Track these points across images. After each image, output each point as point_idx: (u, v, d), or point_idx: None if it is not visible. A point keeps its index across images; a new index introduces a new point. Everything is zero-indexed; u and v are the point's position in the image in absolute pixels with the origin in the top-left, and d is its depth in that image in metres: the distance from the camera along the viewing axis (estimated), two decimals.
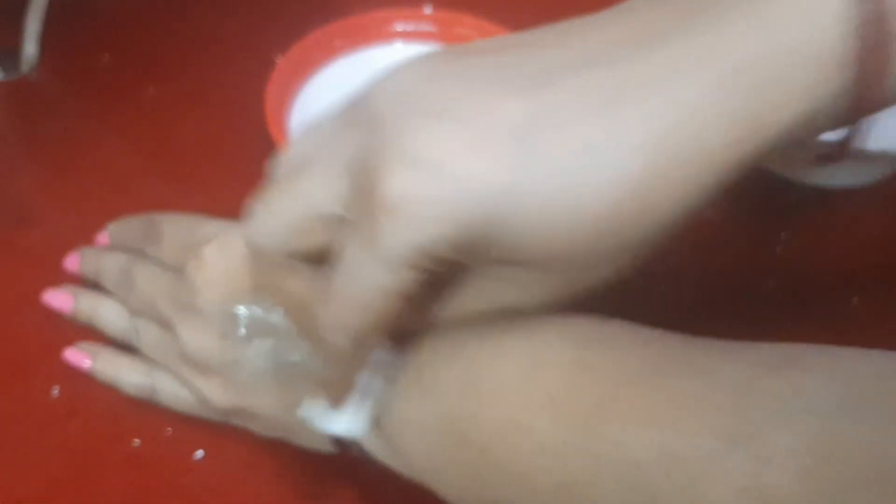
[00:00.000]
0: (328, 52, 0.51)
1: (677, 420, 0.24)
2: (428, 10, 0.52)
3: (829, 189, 0.47)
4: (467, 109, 0.24)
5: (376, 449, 0.31)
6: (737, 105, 0.24)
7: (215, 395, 0.34)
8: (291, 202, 0.28)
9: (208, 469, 0.36)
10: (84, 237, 0.43)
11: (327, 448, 0.33)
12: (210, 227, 0.37)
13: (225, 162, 0.47)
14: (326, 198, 0.26)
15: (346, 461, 0.34)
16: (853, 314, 0.43)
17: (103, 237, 0.42)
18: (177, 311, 0.34)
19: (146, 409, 0.37)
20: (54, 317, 0.40)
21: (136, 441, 0.36)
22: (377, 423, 0.30)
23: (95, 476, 0.35)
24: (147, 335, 0.37)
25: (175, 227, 0.38)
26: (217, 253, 0.34)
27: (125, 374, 0.37)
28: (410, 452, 0.30)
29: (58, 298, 0.40)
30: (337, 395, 0.30)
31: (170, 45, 0.53)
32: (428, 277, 0.25)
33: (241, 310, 0.32)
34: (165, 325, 0.35)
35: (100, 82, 0.51)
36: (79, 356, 0.38)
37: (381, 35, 0.52)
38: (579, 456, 0.25)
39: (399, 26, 0.52)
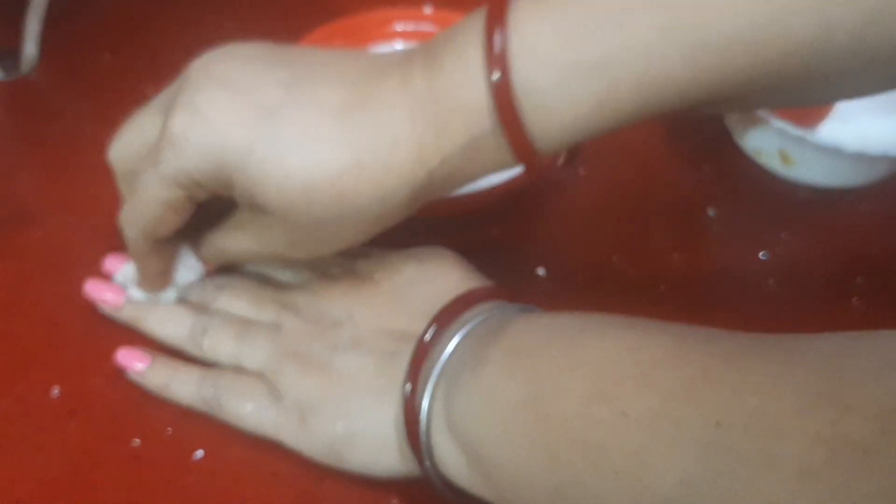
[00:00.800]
0: None
1: (765, 386, 0.26)
2: (428, 10, 0.52)
3: (829, 189, 0.47)
4: (244, 85, 0.33)
5: (443, 448, 0.32)
6: (419, 132, 0.31)
7: (301, 385, 0.35)
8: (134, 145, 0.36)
9: (208, 469, 0.36)
10: (84, 237, 0.43)
11: (385, 468, 0.34)
12: None
13: None
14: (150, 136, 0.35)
15: None
16: (853, 314, 0.43)
17: None
18: (283, 312, 0.38)
19: (146, 409, 0.37)
20: (54, 316, 0.40)
21: (136, 441, 0.36)
22: (449, 420, 0.32)
23: (95, 476, 0.35)
24: (226, 330, 0.38)
25: None
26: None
27: (184, 378, 0.37)
28: (483, 441, 0.31)
29: (106, 291, 0.40)
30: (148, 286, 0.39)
31: (170, 45, 0.53)
32: (194, 197, 0.34)
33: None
34: (261, 325, 0.38)
35: (100, 82, 0.51)
36: (135, 359, 0.38)
37: (381, 35, 0.52)
38: (660, 421, 0.27)
39: (399, 26, 0.52)
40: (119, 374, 0.38)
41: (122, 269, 0.40)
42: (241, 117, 0.32)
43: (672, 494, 0.26)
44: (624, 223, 0.46)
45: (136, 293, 0.39)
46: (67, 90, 0.51)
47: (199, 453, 0.36)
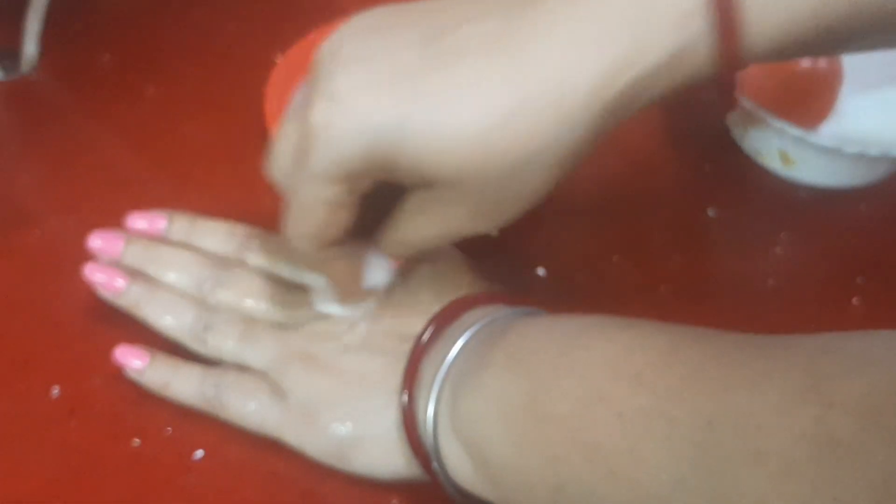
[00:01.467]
0: None
1: (753, 384, 0.26)
2: None
3: (829, 189, 0.47)
4: (376, 57, 0.29)
5: (450, 450, 0.32)
6: (604, 44, 0.28)
7: (305, 384, 0.35)
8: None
9: (208, 469, 0.36)
10: (84, 237, 0.43)
11: (390, 471, 0.34)
12: None
13: (225, 162, 0.47)
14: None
15: None
16: (853, 314, 0.43)
17: (155, 223, 0.40)
18: (291, 313, 0.37)
19: (146, 409, 0.37)
20: (54, 316, 0.40)
21: (136, 441, 0.36)
22: (454, 422, 0.32)
23: (95, 476, 0.35)
24: (231, 328, 0.37)
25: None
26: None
27: (185, 377, 0.36)
28: (488, 442, 0.31)
29: (102, 272, 0.38)
30: (345, 298, 0.37)
31: (170, 45, 0.53)
32: (357, 189, 0.31)
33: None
34: (265, 324, 0.37)
35: (100, 82, 0.51)
36: (134, 357, 0.37)
37: None
38: (654, 421, 0.27)
39: None
40: (119, 373, 0.38)
41: (314, 280, 0.38)
42: (384, 89, 0.29)
43: (666, 493, 0.27)
44: (624, 223, 0.46)
45: (336, 308, 0.37)
46: (67, 90, 0.51)
47: (199, 453, 0.36)
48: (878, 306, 0.43)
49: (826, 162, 0.45)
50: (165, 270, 0.39)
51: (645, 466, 0.27)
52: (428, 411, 0.33)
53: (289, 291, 0.38)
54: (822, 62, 0.48)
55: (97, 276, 0.38)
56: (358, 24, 0.31)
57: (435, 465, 0.33)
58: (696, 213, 0.47)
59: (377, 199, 0.33)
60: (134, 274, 0.38)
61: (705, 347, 0.29)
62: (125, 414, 0.37)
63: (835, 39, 0.29)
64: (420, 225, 0.32)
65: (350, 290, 0.36)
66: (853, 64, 0.50)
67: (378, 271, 0.36)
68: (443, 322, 0.34)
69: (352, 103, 0.29)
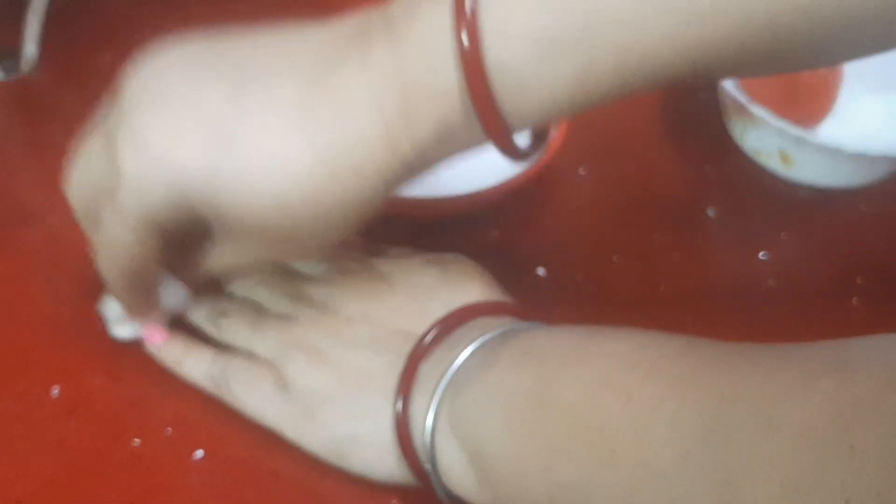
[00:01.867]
0: None
1: (771, 366, 0.26)
2: None
3: (829, 189, 0.47)
4: (182, 100, 0.30)
5: (445, 450, 0.32)
6: (387, 120, 0.29)
7: (311, 378, 0.35)
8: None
9: (208, 469, 0.36)
10: (84, 237, 0.43)
11: (387, 473, 0.34)
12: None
13: None
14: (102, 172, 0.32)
15: None
16: (853, 314, 0.43)
17: None
18: (298, 306, 0.37)
19: (146, 409, 0.37)
20: (54, 316, 0.40)
21: (136, 441, 0.36)
22: (452, 420, 0.32)
23: (95, 476, 0.35)
24: (242, 315, 0.37)
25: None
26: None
27: (197, 357, 0.37)
28: (484, 437, 0.31)
29: None
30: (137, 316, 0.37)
31: None
32: (166, 234, 0.32)
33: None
34: (276, 315, 0.37)
35: (100, 82, 0.51)
36: (156, 332, 0.38)
37: None
38: (663, 403, 0.27)
39: None
40: (119, 373, 0.38)
41: (105, 306, 0.39)
42: (189, 139, 0.30)
43: (670, 469, 0.26)
44: (624, 223, 0.46)
45: (121, 331, 0.38)
46: (67, 90, 0.51)
47: (199, 453, 0.36)
48: (878, 306, 0.43)
49: (826, 162, 0.45)
50: None
51: (649, 444, 0.27)
52: (427, 418, 0.32)
53: (296, 284, 0.38)
54: None
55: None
56: (167, 58, 0.32)
57: (427, 467, 0.32)
58: (696, 213, 0.47)
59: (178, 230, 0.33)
60: None
61: (721, 345, 0.29)
62: (125, 414, 0.37)
63: (611, 98, 0.29)
64: (222, 256, 0.35)
65: (141, 315, 0.37)
66: (853, 64, 0.50)
67: (173, 296, 0.38)
68: (447, 327, 0.34)
69: (158, 150, 0.30)
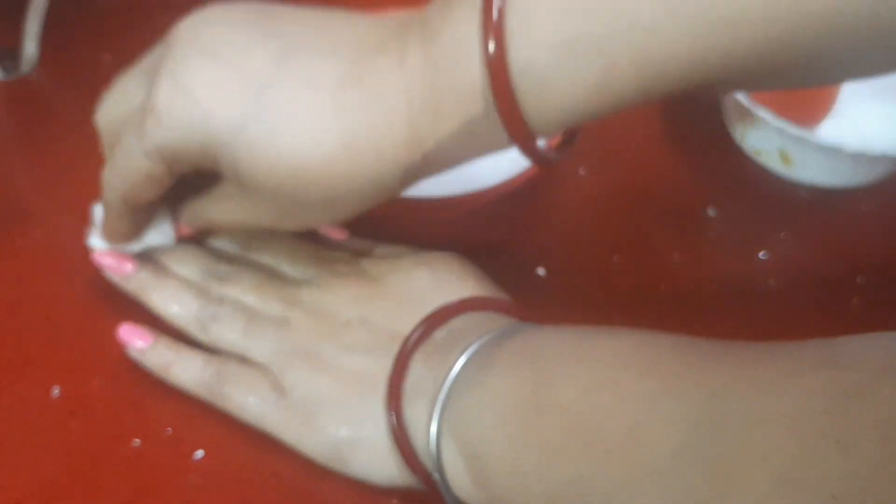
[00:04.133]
0: None
1: (765, 358, 0.27)
2: None
3: (829, 189, 0.47)
4: (231, 55, 0.31)
5: (446, 456, 0.32)
6: (414, 115, 0.30)
7: (308, 383, 0.35)
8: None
9: (208, 469, 0.36)
10: (84, 237, 0.43)
11: (387, 477, 0.34)
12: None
13: None
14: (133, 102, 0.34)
15: None
16: (853, 314, 0.43)
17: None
18: (293, 310, 0.37)
19: (146, 409, 0.37)
20: (54, 316, 0.40)
21: (136, 441, 0.36)
22: (451, 423, 0.32)
23: (95, 476, 0.35)
24: (235, 320, 0.37)
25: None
26: None
27: (187, 362, 0.37)
28: (481, 439, 0.31)
29: (110, 257, 0.39)
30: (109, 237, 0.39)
31: None
32: (176, 171, 0.34)
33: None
34: (270, 320, 0.37)
35: (100, 82, 0.51)
36: (138, 336, 0.37)
37: None
38: (659, 399, 0.27)
39: None
40: (119, 373, 0.38)
41: (96, 210, 0.39)
42: (228, 93, 0.31)
43: (664, 465, 0.26)
44: (624, 223, 0.46)
45: (97, 241, 0.39)
46: (67, 90, 0.51)
47: (199, 453, 0.36)
48: (878, 306, 0.43)
49: (826, 162, 0.45)
50: (173, 261, 0.39)
51: (644, 442, 0.27)
52: (431, 427, 0.32)
53: (288, 288, 0.38)
54: None
55: (106, 259, 0.39)
56: (224, 13, 0.33)
57: (436, 476, 0.32)
58: (696, 213, 0.47)
59: (189, 173, 0.35)
60: (143, 261, 0.39)
61: (715, 342, 0.29)
62: (125, 414, 0.37)
63: (632, 103, 0.30)
64: (226, 209, 0.35)
65: (120, 238, 0.38)
66: None
67: (159, 234, 0.39)
68: (430, 326, 0.34)
69: (195, 96, 0.31)
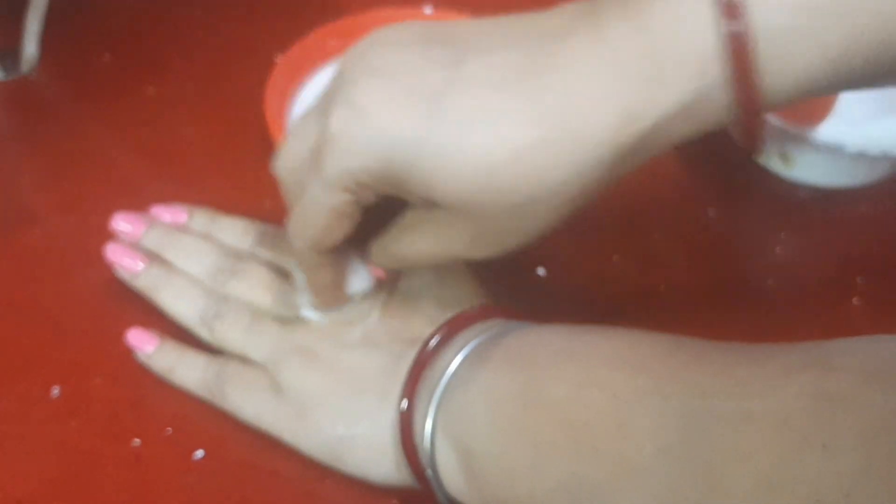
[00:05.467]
0: (328, 52, 0.51)
1: (754, 360, 0.27)
2: (428, 10, 0.52)
3: (829, 189, 0.47)
4: (402, 70, 0.30)
5: (440, 453, 0.32)
6: (621, 90, 0.27)
7: (304, 380, 0.35)
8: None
9: (208, 469, 0.36)
10: (84, 237, 0.43)
11: (383, 474, 0.34)
12: None
13: (225, 161, 0.47)
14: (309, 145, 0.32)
15: None
16: (853, 314, 0.43)
17: (177, 215, 0.41)
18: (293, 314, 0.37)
19: (146, 409, 0.37)
20: (54, 316, 0.40)
21: (136, 441, 0.36)
22: (444, 421, 0.32)
23: (95, 476, 0.35)
24: (237, 319, 0.37)
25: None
26: None
27: (190, 364, 0.37)
28: (473, 435, 0.31)
29: (124, 255, 0.39)
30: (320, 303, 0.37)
31: (170, 45, 0.53)
32: (362, 200, 0.31)
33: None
34: (270, 320, 0.37)
35: (100, 82, 0.51)
36: (143, 339, 0.38)
37: None
38: (648, 398, 0.27)
39: None
40: (119, 373, 0.38)
41: (298, 279, 0.38)
42: (404, 106, 0.29)
43: (650, 463, 0.26)
44: (624, 223, 0.46)
45: (310, 314, 0.37)
46: (67, 90, 0.51)
47: (199, 453, 0.36)
48: (878, 306, 0.43)
49: (826, 162, 0.45)
50: (182, 257, 0.39)
51: (631, 439, 0.27)
52: (427, 423, 0.32)
53: (294, 287, 0.38)
54: None
55: (118, 255, 0.39)
56: (386, 36, 0.31)
57: (429, 472, 0.32)
58: (696, 213, 0.47)
59: (372, 210, 0.33)
60: (152, 257, 0.39)
61: (707, 343, 0.29)
62: (125, 414, 0.37)
63: (860, 80, 0.28)
64: (415, 242, 0.32)
65: (326, 296, 0.36)
66: None
67: (360, 279, 0.37)
68: (450, 332, 0.34)
69: (372, 115, 0.29)
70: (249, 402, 0.36)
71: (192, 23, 0.55)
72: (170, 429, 0.37)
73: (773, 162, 0.47)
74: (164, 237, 0.40)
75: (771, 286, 0.44)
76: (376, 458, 0.34)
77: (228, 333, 0.37)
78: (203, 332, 0.38)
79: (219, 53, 0.53)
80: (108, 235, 0.43)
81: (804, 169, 0.46)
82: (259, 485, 0.35)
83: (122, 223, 0.40)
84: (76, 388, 0.38)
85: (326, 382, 0.35)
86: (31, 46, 0.51)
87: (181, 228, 0.41)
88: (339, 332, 0.36)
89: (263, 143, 0.45)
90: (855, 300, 0.43)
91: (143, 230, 0.40)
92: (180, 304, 0.38)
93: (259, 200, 0.45)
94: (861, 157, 0.43)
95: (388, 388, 0.34)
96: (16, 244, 0.43)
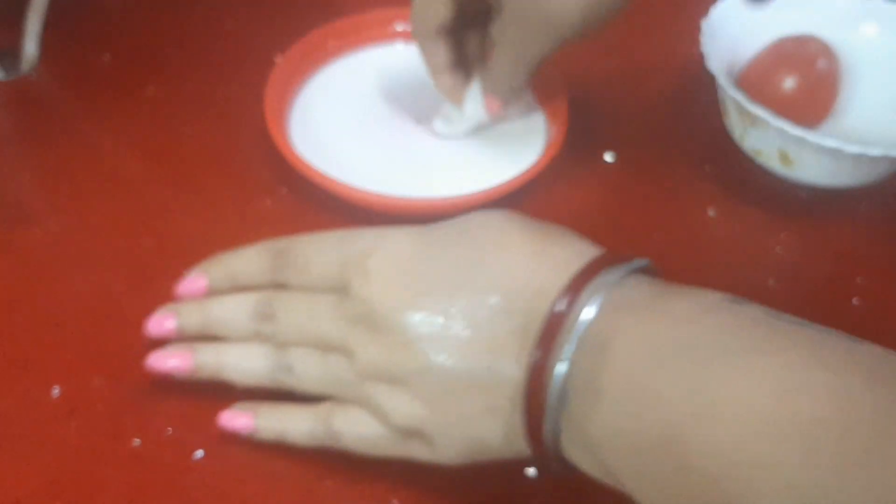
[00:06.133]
0: (328, 53, 0.51)
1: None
2: None
3: (829, 189, 0.47)
4: None
5: (581, 460, 0.30)
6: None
7: (401, 409, 0.32)
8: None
9: (208, 469, 0.36)
10: (84, 237, 0.43)
11: (521, 452, 0.32)
12: (365, 238, 0.35)
13: (225, 161, 0.47)
14: None
15: (346, 461, 0.34)
16: (853, 314, 0.43)
17: (195, 283, 0.38)
18: (350, 331, 0.34)
19: (146, 409, 0.37)
20: (54, 316, 0.40)
21: (136, 441, 0.36)
22: (583, 432, 0.30)
23: (95, 476, 0.35)
24: (309, 366, 0.35)
25: (319, 248, 0.36)
26: (383, 261, 0.33)
27: (297, 421, 0.35)
28: (619, 469, 0.29)
29: (171, 357, 0.36)
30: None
31: (170, 45, 0.53)
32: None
33: (418, 317, 0.32)
34: (335, 349, 0.34)
35: (100, 82, 0.51)
36: (239, 418, 0.36)
37: (381, 35, 0.52)
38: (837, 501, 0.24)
39: (399, 26, 0.52)
40: (119, 373, 0.38)
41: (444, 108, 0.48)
42: None
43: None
44: (624, 223, 0.46)
45: (439, 125, 0.47)
46: (67, 90, 0.51)
47: (199, 453, 0.36)
48: (878, 306, 0.43)
49: (826, 162, 0.45)
50: (221, 326, 0.37)
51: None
52: (559, 367, 0.30)
53: (339, 303, 0.35)
54: (822, 62, 0.48)
55: (164, 362, 0.36)
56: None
57: (546, 427, 0.30)
58: (696, 213, 0.47)
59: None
60: (196, 343, 0.37)
61: (879, 398, 0.26)
62: (125, 414, 0.37)
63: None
64: (502, 52, 0.42)
65: (453, 96, 0.46)
66: (853, 64, 0.50)
67: (476, 106, 0.46)
68: (576, 290, 0.32)
69: None
70: (366, 437, 0.34)
71: (192, 23, 0.55)
72: (170, 429, 0.37)
73: (773, 162, 0.47)
74: (197, 315, 0.37)
75: (771, 286, 0.43)
76: (513, 445, 0.32)
77: (306, 383, 0.35)
78: (284, 387, 0.36)
79: (219, 53, 0.53)
80: (108, 235, 0.43)
81: (804, 169, 0.46)
82: (259, 485, 0.35)
83: (153, 328, 0.37)
84: (76, 388, 0.38)
85: (428, 404, 0.32)
86: (31, 46, 0.51)
87: (206, 293, 0.38)
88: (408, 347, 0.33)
89: (263, 143, 0.45)
90: (855, 300, 0.43)
91: (176, 322, 0.37)
92: (247, 376, 0.36)
93: (259, 200, 0.45)
94: (861, 157, 0.43)
95: (517, 348, 0.31)
96: (16, 244, 0.43)
